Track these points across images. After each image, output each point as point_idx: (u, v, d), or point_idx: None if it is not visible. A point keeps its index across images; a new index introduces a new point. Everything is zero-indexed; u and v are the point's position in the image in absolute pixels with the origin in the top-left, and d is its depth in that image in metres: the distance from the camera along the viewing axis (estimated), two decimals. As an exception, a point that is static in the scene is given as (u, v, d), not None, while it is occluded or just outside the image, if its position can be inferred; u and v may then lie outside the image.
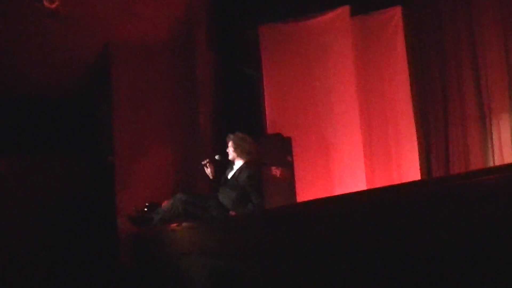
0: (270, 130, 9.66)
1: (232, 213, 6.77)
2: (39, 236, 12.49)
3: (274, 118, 9.73)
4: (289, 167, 9.17)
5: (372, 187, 9.18)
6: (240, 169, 6.85)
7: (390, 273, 3.06)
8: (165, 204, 7.21)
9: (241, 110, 9.95)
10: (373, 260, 3.19)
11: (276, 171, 9.10)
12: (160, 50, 10.95)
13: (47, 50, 10.73)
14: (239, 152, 6.89)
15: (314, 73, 9.60)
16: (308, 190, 9.33)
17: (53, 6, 8.38)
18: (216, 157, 7.15)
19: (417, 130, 9.19)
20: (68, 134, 12.82)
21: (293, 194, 9.06)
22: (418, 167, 9.04)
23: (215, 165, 7.16)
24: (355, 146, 9.25)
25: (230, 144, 6.99)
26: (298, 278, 4.08)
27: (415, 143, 9.13)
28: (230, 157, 6.97)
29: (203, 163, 7.15)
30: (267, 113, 9.77)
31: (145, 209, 8.42)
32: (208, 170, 7.08)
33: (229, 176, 6.99)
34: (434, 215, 2.76)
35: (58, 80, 12.06)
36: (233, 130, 9.79)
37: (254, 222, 5.26)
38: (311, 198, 8.97)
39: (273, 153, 9.15)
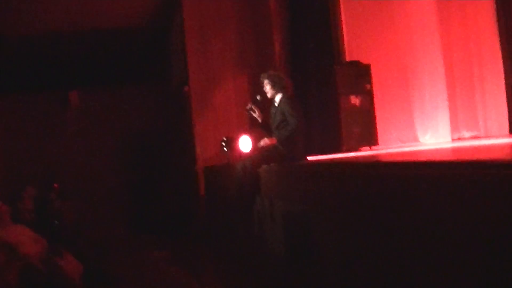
0: (348, 57, 9.59)
1: (266, 141, 6.83)
2: (117, 168, 12.96)
3: (352, 45, 9.64)
4: (368, 96, 9.15)
5: (454, 115, 9.16)
6: (282, 101, 6.87)
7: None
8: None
9: (316, 37, 9.89)
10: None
11: (355, 100, 9.11)
12: (232, -23, 10.94)
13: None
14: (278, 88, 6.90)
15: (393, -2, 9.42)
16: (388, 120, 9.35)
17: None
18: (258, 97, 7.15)
19: (503, 58, 8.97)
20: (142, 65, 13.04)
21: (373, 123, 9.08)
22: (505, 100, 8.88)
23: (260, 106, 7.17)
24: (436, 73, 9.13)
25: (266, 82, 6.96)
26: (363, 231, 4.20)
27: (501, 69, 8.96)
28: (269, 95, 6.97)
29: (247, 108, 7.15)
30: (345, 40, 9.67)
31: (223, 144, 8.62)
32: (255, 114, 7.09)
33: (273, 113, 7.04)
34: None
35: (130, 10, 12.17)
36: (308, 57, 9.87)
37: (325, 170, 5.34)
38: (391, 127, 9.11)
39: (351, 81, 9.13)
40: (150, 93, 13.27)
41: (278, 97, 6.85)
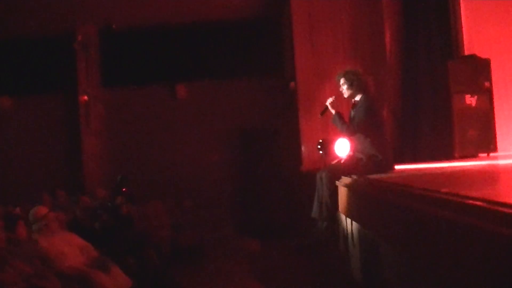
0: (466, 51, 8.98)
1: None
2: (222, 165, 12.94)
3: (471, 37, 9.02)
4: (486, 95, 8.52)
5: None
6: (360, 103, 6.48)
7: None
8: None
9: (431, 28, 9.35)
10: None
11: (471, 100, 8.51)
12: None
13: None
14: (356, 88, 6.48)
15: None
16: (509, 122, 8.66)
17: None
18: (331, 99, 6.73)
19: None
20: (253, 58, 12.89)
21: (492, 126, 8.47)
22: None
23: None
24: None
25: (342, 81, 6.59)
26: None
27: None
28: (346, 95, 6.61)
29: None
30: (463, 31, 9.08)
31: (318, 146, 8.26)
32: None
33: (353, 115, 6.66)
34: None
35: (240, 1, 12.12)
36: (421, 51, 9.34)
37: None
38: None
39: (467, 78, 8.55)
40: (261, 88, 13.07)
41: (358, 97, 6.45)
